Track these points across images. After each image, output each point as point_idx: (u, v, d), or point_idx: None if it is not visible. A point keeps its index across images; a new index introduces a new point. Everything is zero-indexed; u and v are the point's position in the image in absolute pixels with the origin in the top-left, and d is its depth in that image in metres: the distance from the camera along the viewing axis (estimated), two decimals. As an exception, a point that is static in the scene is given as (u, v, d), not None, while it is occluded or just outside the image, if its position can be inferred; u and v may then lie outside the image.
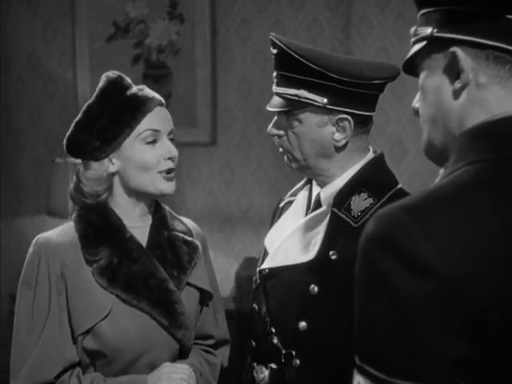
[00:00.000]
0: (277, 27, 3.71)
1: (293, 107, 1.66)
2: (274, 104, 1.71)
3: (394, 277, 0.87)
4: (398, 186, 1.71)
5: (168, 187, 1.73)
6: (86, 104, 1.74)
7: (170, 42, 3.82)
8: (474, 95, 0.99)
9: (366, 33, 3.59)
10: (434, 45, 1.02)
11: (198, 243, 1.87)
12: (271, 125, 1.73)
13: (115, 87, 1.72)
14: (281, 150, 1.75)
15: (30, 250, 1.74)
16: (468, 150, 0.98)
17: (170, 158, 1.72)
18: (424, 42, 1.04)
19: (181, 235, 1.84)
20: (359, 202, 1.67)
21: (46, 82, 3.98)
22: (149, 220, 1.80)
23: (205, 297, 1.86)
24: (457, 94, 1.00)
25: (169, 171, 1.72)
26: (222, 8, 3.78)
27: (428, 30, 1.02)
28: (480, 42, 0.97)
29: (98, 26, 3.86)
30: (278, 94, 1.69)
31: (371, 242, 0.91)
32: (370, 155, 1.74)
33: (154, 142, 1.71)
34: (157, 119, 1.73)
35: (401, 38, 3.54)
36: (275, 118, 1.73)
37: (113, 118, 1.69)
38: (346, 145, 1.68)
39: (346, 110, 1.65)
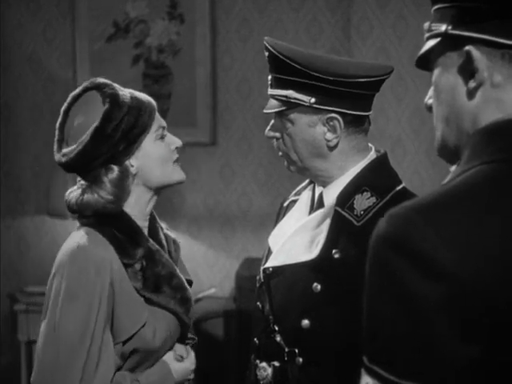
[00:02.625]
0: (277, 27, 3.71)
1: (284, 108, 1.69)
2: (269, 106, 1.74)
3: (406, 278, 0.86)
4: (401, 185, 1.72)
5: (182, 175, 1.83)
6: (104, 112, 1.69)
7: (169, 41, 3.82)
8: (489, 95, 0.97)
9: (366, 33, 3.59)
10: (449, 42, 1.00)
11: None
12: (268, 127, 1.76)
13: (121, 93, 1.73)
14: (280, 153, 1.77)
15: (72, 260, 1.65)
16: (482, 149, 0.96)
17: (176, 148, 1.80)
18: (438, 39, 1.01)
19: (170, 234, 1.91)
20: (362, 201, 1.67)
21: (46, 81, 3.98)
22: (148, 219, 1.83)
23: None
24: (471, 94, 0.98)
25: (177, 160, 1.82)
26: (222, 8, 3.78)
27: (442, 27, 1.00)
28: (495, 40, 0.95)
29: (98, 26, 3.86)
30: (272, 96, 1.73)
31: (382, 243, 0.89)
32: (372, 155, 1.75)
33: (163, 137, 1.78)
34: (160, 117, 1.81)
35: (401, 38, 3.54)
36: (272, 120, 1.76)
37: (135, 119, 1.72)
38: (339, 144, 1.70)
39: (335, 109, 1.67)
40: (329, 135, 1.68)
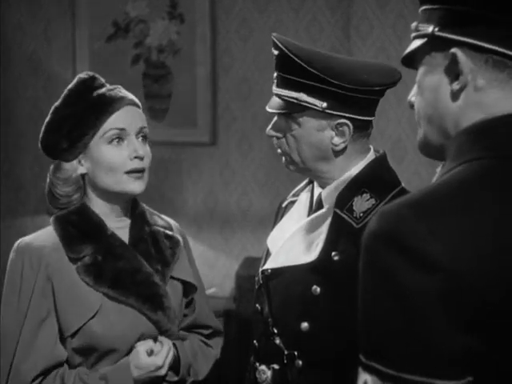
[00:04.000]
0: (277, 27, 3.71)
1: (292, 110, 1.65)
2: (274, 105, 1.70)
3: (399, 273, 0.87)
4: (401, 186, 1.71)
5: (136, 187, 1.72)
6: (54, 105, 1.75)
7: (170, 41, 3.82)
8: (471, 97, 0.99)
9: (366, 33, 3.59)
10: (435, 43, 1.02)
11: (180, 237, 1.88)
12: (270, 126, 1.72)
13: (82, 88, 1.73)
14: (279, 151, 1.74)
15: (12, 255, 1.72)
16: (468, 147, 0.97)
17: (136, 158, 1.71)
18: (425, 39, 1.03)
19: (162, 230, 1.85)
20: (361, 203, 1.66)
21: (46, 81, 3.98)
22: (128, 220, 1.81)
23: (189, 290, 1.88)
24: (455, 96, 1.00)
25: (136, 171, 1.71)
26: (222, 8, 3.78)
27: (429, 28, 1.02)
28: (480, 45, 0.97)
29: (98, 26, 3.86)
30: (278, 96, 1.68)
31: (375, 239, 0.91)
32: (371, 155, 1.74)
33: (119, 141, 1.71)
34: (123, 118, 1.72)
35: (401, 38, 3.54)
36: (274, 119, 1.72)
37: (78, 119, 1.70)
38: (344, 149, 1.68)
39: (346, 114, 1.64)
40: (336, 140, 1.66)
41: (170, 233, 1.86)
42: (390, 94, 3.78)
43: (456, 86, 0.99)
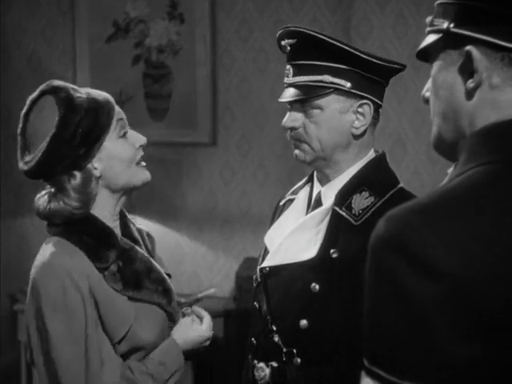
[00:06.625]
0: (277, 27, 3.69)
1: (312, 94, 1.67)
2: (290, 95, 1.70)
3: (405, 278, 0.87)
4: (400, 185, 1.72)
5: (147, 175, 1.76)
6: (59, 117, 1.65)
7: (169, 41, 3.82)
8: (486, 96, 0.97)
9: (366, 33, 3.59)
10: (450, 39, 1.00)
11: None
12: (286, 117, 1.73)
13: (76, 95, 1.67)
14: (295, 143, 1.74)
15: (44, 277, 1.64)
16: (479, 150, 0.96)
17: (141, 146, 1.74)
18: (439, 35, 1.01)
19: (142, 228, 1.89)
20: (360, 201, 1.67)
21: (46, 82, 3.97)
22: (118, 219, 1.80)
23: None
24: (469, 94, 0.98)
25: (142, 159, 1.75)
26: (222, 8, 3.78)
27: (444, 24, 1.00)
28: (496, 43, 0.95)
29: (98, 26, 3.86)
30: (296, 85, 1.69)
31: (381, 243, 0.90)
32: (372, 154, 1.75)
33: (125, 134, 1.72)
34: (119, 110, 1.73)
35: (401, 38, 3.54)
36: (288, 112, 1.73)
37: (93, 121, 1.67)
38: (363, 133, 1.71)
39: (368, 95, 1.68)
40: (357, 123, 1.69)
41: (147, 230, 1.91)
42: (390, 93, 3.76)
43: (471, 84, 0.98)
